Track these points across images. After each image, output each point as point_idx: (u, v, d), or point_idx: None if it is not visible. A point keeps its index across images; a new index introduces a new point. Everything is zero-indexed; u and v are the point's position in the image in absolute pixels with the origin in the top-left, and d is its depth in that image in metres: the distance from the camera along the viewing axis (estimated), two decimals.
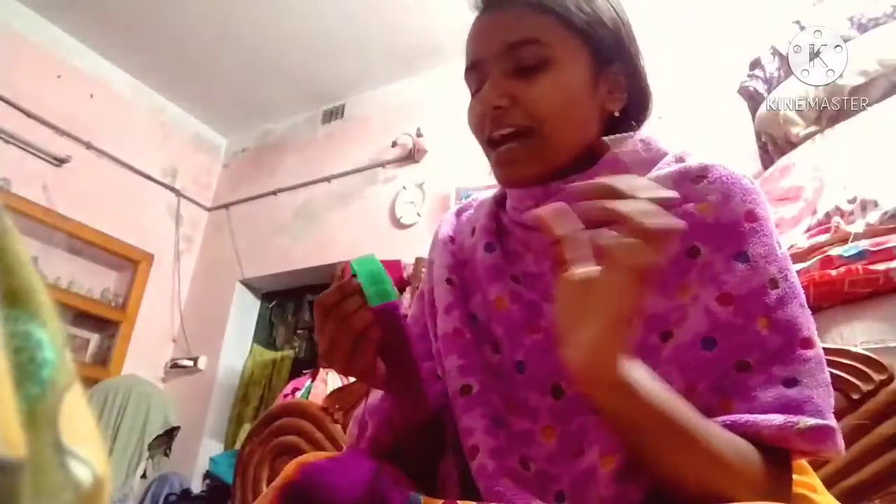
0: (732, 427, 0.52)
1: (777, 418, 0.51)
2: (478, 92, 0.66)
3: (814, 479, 0.62)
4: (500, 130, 0.64)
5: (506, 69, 0.64)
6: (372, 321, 0.54)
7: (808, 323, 0.57)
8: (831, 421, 0.52)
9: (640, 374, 0.49)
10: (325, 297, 0.55)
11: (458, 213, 0.80)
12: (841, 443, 0.52)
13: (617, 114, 0.68)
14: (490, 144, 0.66)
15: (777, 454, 0.52)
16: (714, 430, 0.51)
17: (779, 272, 0.57)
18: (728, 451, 0.50)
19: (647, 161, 0.65)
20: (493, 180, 0.75)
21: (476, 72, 0.67)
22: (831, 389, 0.55)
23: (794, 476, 0.56)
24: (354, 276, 0.55)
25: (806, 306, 0.58)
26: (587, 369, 0.48)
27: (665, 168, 0.64)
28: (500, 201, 0.75)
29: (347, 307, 0.54)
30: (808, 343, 0.55)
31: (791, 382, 0.54)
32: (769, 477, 0.51)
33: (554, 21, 0.64)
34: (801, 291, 0.58)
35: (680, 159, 0.64)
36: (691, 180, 0.62)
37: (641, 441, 0.50)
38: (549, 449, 0.58)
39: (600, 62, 0.66)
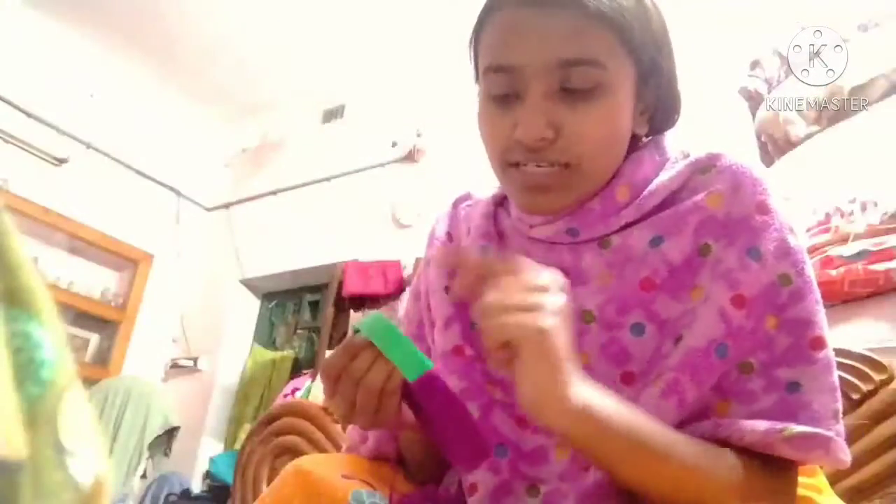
0: (718, 432, 0.52)
1: (762, 425, 0.51)
2: (504, 98, 0.58)
3: (820, 480, 0.62)
4: (533, 163, 0.57)
5: (550, 88, 0.55)
6: (389, 373, 0.50)
7: (821, 321, 0.55)
8: (827, 429, 0.51)
9: (597, 397, 0.48)
10: (331, 362, 0.52)
11: (455, 205, 0.77)
12: (839, 452, 0.51)
13: (645, 139, 0.65)
14: (512, 165, 0.59)
15: (776, 459, 0.52)
16: (683, 441, 0.51)
17: (792, 266, 0.56)
18: (703, 460, 0.50)
19: (659, 164, 0.64)
20: (492, 181, 0.74)
21: (507, 77, 0.57)
22: (837, 394, 0.54)
23: (800, 478, 0.56)
24: (357, 332, 0.51)
25: (821, 302, 0.56)
26: (535, 406, 0.47)
27: (673, 167, 0.62)
28: (499, 202, 0.72)
29: (359, 366, 0.51)
30: (818, 343, 0.54)
31: (793, 387, 0.53)
32: (759, 482, 0.51)
33: (614, 39, 0.55)
34: (817, 287, 0.57)
35: (686, 155, 0.63)
36: (700, 171, 0.61)
37: (611, 461, 0.50)
38: (561, 467, 0.57)
39: (640, 84, 0.60)
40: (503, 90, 0.58)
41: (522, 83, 0.56)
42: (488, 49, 0.59)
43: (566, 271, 0.62)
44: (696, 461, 0.50)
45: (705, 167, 0.60)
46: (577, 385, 0.47)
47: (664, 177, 0.61)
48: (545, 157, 0.57)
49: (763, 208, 0.57)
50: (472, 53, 0.65)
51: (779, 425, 0.50)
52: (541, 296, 0.48)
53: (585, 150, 0.57)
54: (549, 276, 0.49)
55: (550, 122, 0.55)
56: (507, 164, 0.60)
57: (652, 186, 0.61)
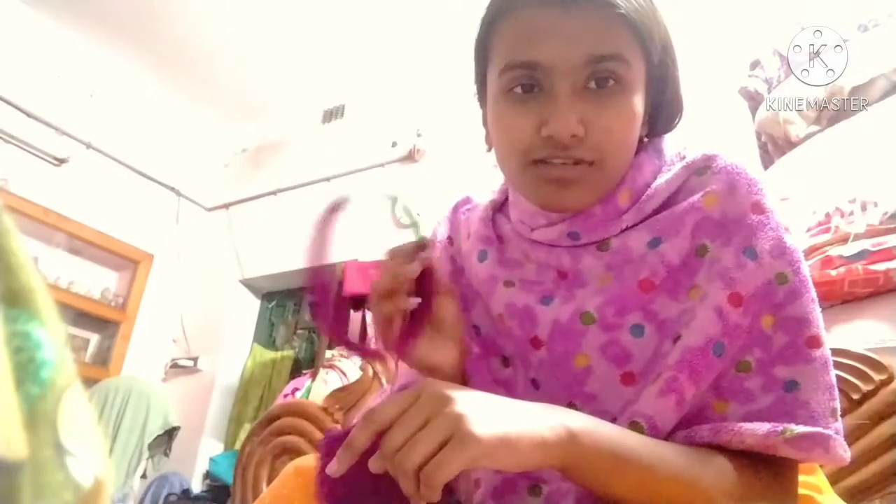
0: (718, 437, 0.52)
1: (762, 427, 0.51)
2: (525, 96, 0.58)
3: (820, 479, 0.62)
4: (560, 160, 0.57)
5: (577, 84, 0.56)
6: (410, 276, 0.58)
7: (817, 320, 0.56)
8: (826, 427, 0.51)
9: (570, 419, 0.48)
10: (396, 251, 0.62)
11: (456, 210, 0.77)
12: (838, 449, 0.51)
13: (646, 139, 0.65)
14: (535, 163, 0.59)
15: (776, 460, 0.52)
16: (669, 449, 0.51)
17: (789, 265, 0.56)
18: (690, 466, 0.50)
19: (657, 168, 0.64)
20: (492, 181, 0.74)
21: (531, 74, 0.57)
22: (835, 392, 0.54)
23: (800, 476, 0.56)
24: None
25: (817, 301, 0.57)
26: (521, 469, 0.45)
27: (670, 170, 0.63)
28: (498, 207, 0.72)
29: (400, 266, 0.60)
30: (814, 342, 0.55)
31: (791, 386, 0.53)
32: (757, 483, 0.51)
33: (633, 38, 0.57)
34: (812, 286, 0.57)
35: (682, 157, 0.64)
36: (696, 172, 0.61)
37: (599, 477, 0.49)
38: None
39: (647, 84, 0.61)
40: (526, 85, 0.58)
41: (548, 80, 0.57)
42: (509, 47, 0.59)
43: (565, 273, 0.63)
44: (683, 468, 0.50)
45: (701, 168, 0.61)
46: (542, 420, 0.46)
47: (662, 180, 0.62)
48: (573, 155, 0.57)
49: (758, 208, 0.58)
50: (481, 54, 0.64)
51: (779, 427, 0.51)
52: (437, 422, 0.43)
53: (611, 147, 0.57)
54: (425, 393, 0.45)
55: (581, 119, 0.56)
56: (529, 161, 0.59)
57: (650, 190, 0.61)
